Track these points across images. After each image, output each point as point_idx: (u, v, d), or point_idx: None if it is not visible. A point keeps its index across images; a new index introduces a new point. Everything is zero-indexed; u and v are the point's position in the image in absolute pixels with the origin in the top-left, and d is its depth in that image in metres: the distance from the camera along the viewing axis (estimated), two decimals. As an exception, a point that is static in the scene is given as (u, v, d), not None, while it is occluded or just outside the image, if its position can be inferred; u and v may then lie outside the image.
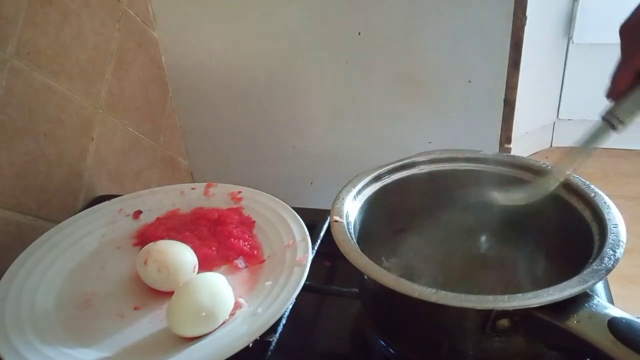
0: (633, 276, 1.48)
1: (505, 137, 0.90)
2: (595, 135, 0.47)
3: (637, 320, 0.38)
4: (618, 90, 0.45)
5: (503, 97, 0.87)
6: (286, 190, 1.03)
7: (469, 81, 0.87)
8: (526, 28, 0.82)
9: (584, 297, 0.40)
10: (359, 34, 0.87)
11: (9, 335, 0.49)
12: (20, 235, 0.65)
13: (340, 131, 0.97)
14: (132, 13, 0.86)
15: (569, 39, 1.89)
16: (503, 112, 0.88)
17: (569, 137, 2.10)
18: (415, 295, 0.40)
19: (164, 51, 0.95)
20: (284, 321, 0.51)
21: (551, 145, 2.15)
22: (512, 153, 0.84)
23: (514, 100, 0.87)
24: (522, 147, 2.02)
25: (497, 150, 0.91)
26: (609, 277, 0.42)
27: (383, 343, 0.51)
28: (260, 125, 1.00)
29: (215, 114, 1.01)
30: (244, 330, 0.48)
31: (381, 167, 0.56)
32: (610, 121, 0.46)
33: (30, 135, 0.67)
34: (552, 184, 0.51)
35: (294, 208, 0.63)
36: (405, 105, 0.92)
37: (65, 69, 0.72)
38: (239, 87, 0.97)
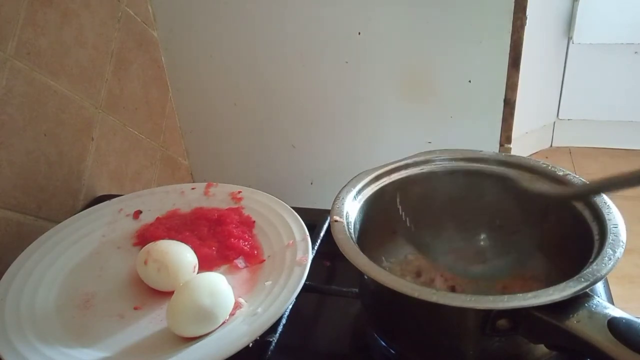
0: (633, 276, 1.48)
1: (505, 137, 0.90)
2: None
3: (637, 320, 0.38)
4: None
5: (503, 97, 0.87)
6: (286, 190, 1.04)
7: (469, 81, 0.87)
8: (526, 28, 0.82)
9: (584, 297, 0.40)
10: (359, 34, 0.87)
11: (9, 335, 0.49)
12: (20, 235, 0.65)
13: (340, 131, 0.97)
14: (132, 13, 0.86)
15: (569, 39, 1.90)
16: (503, 112, 0.88)
17: (569, 137, 2.10)
18: (415, 295, 0.40)
19: (164, 51, 0.95)
20: (284, 321, 0.51)
21: (551, 145, 2.15)
22: (512, 153, 0.84)
23: (514, 100, 0.87)
24: (522, 147, 2.03)
25: (497, 150, 0.91)
26: (609, 277, 0.42)
27: (383, 343, 0.51)
28: (260, 125, 1.00)
29: (215, 114, 1.01)
30: (244, 330, 0.48)
31: (381, 167, 0.56)
32: None
33: (30, 135, 0.67)
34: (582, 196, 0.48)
35: (294, 208, 0.63)
36: (405, 105, 0.92)
37: (65, 69, 0.72)
38: (239, 87, 0.97)
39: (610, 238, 0.44)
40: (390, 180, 0.56)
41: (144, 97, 0.91)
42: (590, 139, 2.07)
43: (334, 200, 0.51)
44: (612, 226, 0.45)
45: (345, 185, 0.54)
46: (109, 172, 0.82)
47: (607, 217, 0.46)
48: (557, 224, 0.52)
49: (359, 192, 0.54)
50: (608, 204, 0.48)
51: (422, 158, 0.57)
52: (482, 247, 0.58)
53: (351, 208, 0.52)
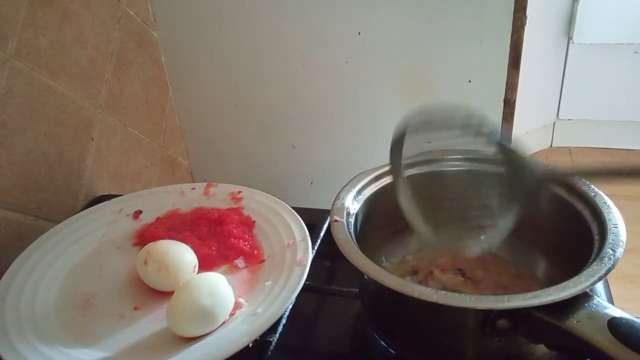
0: (633, 276, 1.48)
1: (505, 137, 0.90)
2: None
3: (637, 320, 0.38)
4: None
5: (503, 97, 0.87)
6: (286, 190, 1.04)
7: (469, 81, 0.87)
8: (526, 28, 0.82)
9: (584, 297, 0.40)
10: (359, 34, 0.87)
11: (9, 335, 0.49)
12: (20, 235, 0.65)
13: (340, 131, 0.97)
14: (132, 13, 0.86)
15: (569, 39, 1.90)
16: (503, 112, 0.88)
17: (569, 137, 2.10)
18: (415, 295, 0.40)
19: (164, 51, 0.95)
20: (284, 321, 0.51)
21: (551, 145, 2.15)
22: (512, 153, 0.84)
23: (514, 100, 0.87)
24: (522, 147, 2.02)
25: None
26: (609, 277, 0.42)
27: (383, 343, 0.51)
28: (260, 125, 1.00)
29: (215, 114, 1.01)
30: (244, 330, 0.48)
31: (381, 167, 0.56)
32: None
33: (30, 135, 0.67)
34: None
35: (294, 208, 0.63)
36: (405, 105, 0.91)
37: (65, 69, 0.72)
38: (239, 87, 0.97)
39: (610, 238, 0.44)
40: (390, 180, 0.56)
41: (144, 97, 0.91)
42: (590, 139, 2.07)
43: (334, 200, 0.51)
44: (612, 226, 0.45)
45: (345, 185, 0.54)
46: (109, 172, 0.82)
47: (607, 217, 0.46)
48: (557, 224, 0.52)
49: (359, 192, 0.54)
50: (608, 203, 0.48)
51: (422, 158, 0.57)
52: (481, 249, 0.58)
53: (351, 208, 0.52)
